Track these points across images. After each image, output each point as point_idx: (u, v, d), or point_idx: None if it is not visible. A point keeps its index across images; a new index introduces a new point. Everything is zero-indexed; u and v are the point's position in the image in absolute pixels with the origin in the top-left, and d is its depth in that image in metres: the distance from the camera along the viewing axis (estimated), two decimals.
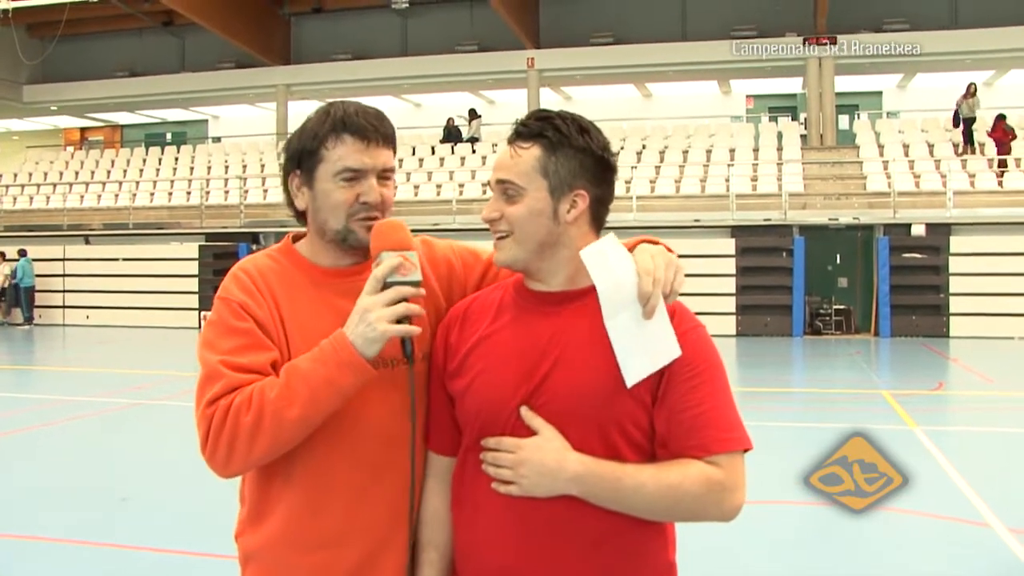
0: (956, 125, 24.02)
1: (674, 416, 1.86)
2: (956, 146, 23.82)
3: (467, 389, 1.97)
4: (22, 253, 24.33)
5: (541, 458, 1.84)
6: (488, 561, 1.93)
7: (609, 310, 1.90)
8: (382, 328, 1.88)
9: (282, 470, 2.00)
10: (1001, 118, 23.13)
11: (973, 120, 23.61)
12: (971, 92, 23.55)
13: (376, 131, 2.05)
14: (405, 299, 1.91)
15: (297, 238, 2.20)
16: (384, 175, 2.08)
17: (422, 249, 2.25)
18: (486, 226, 1.98)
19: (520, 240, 1.92)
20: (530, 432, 1.88)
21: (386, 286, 1.92)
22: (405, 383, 1.98)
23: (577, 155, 1.92)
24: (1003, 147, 22.84)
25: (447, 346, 2.04)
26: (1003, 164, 22.54)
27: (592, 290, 1.93)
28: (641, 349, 1.86)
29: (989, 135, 23.30)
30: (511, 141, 1.95)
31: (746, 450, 1.88)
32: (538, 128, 1.92)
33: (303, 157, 2.08)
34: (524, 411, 1.88)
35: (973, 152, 23.40)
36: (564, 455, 1.83)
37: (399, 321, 1.90)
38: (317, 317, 2.04)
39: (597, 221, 1.98)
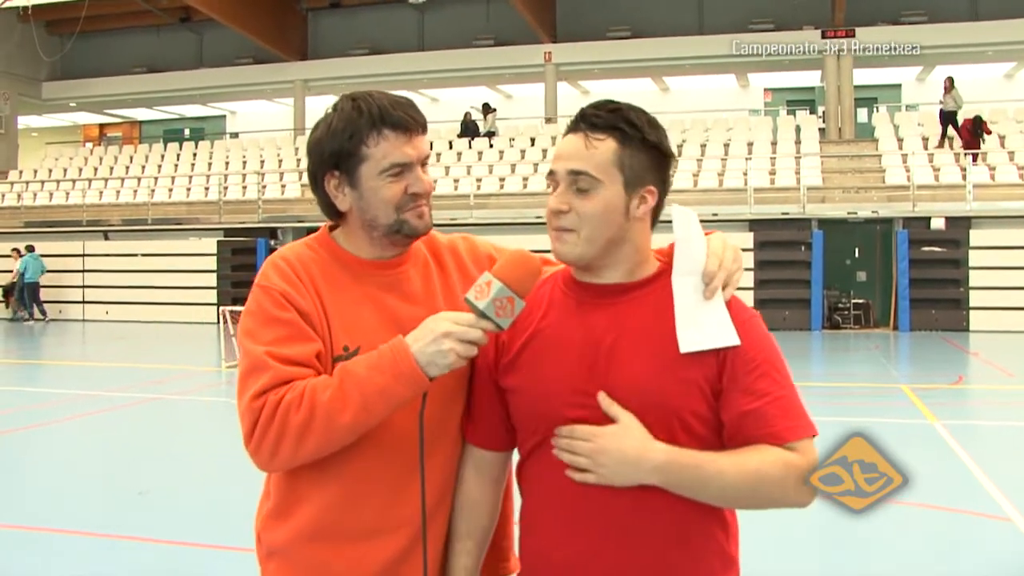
0: (943, 122, 23.80)
1: (745, 407, 1.84)
2: (951, 140, 23.55)
3: (524, 384, 1.94)
4: (29, 249, 24.48)
5: (621, 446, 1.81)
6: (553, 555, 1.92)
7: (680, 268, 1.91)
8: (452, 360, 1.85)
9: (315, 462, 1.96)
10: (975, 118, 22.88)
11: (955, 114, 23.41)
12: (948, 87, 23.38)
13: (415, 121, 2.02)
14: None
15: (332, 227, 2.16)
16: (424, 162, 2.06)
17: (464, 247, 2.24)
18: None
19: (589, 237, 1.87)
20: (597, 421, 1.85)
21: (475, 311, 1.86)
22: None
23: (648, 150, 1.89)
24: (972, 144, 22.59)
25: (498, 342, 1.99)
26: (975, 159, 22.27)
27: (649, 281, 1.94)
28: (699, 322, 1.86)
29: (959, 131, 23.01)
30: (579, 130, 1.89)
31: (813, 435, 1.88)
32: (612, 119, 1.87)
33: (341, 158, 2.01)
34: (602, 397, 1.85)
35: (964, 147, 23.16)
36: (646, 444, 1.81)
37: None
38: (360, 310, 2.03)
39: (656, 216, 1.96)
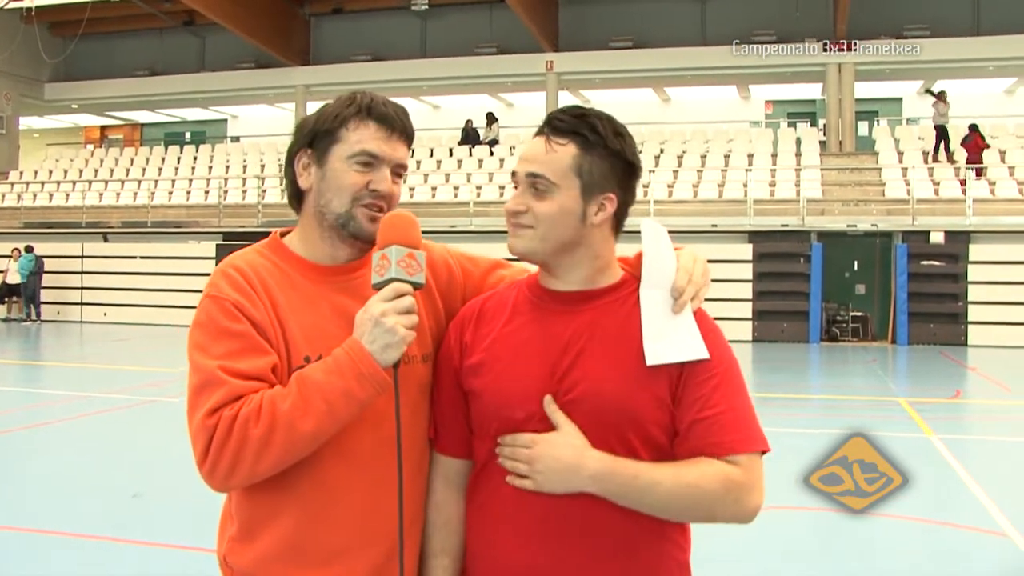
0: (940, 137, 23.74)
1: (693, 416, 1.84)
2: (925, 155, 23.66)
3: (486, 387, 1.93)
4: (28, 249, 24.52)
5: (558, 454, 1.82)
6: (502, 561, 1.90)
7: (648, 281, 1.91)
8: (402, 333, 1.82)
9: (280, 479, 1.88)
10: (974, 128, 22.87)
11: (945, 128, 23.46)
12: (945, 101, 23.39)
13: (400, 123, 2.01)
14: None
15: (284, 234, 2.11)
16: (397, 170, 2.03)
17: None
18: (504, 229, 1.95)
19: (543, 236, 1.88)
20: (549, 429, 1.85)
21: (388, 283, 1.85)
22: (403, 384, 1.89)
23: (610, 158, 1.89)
24: (975, 157, 22.57)
25: (463, 345, 1.99)
26: (979, 173, 22.28)
27: (612, 290, 1.94)
28: (667, 335, 1.86)
29: (963, 145, 22.99)
30: (544, 134, 1.91)
31: (764, 452, 1.87)
32: (575, 125, 1.88)
33: (318, 136, 2.01)
34: (547, 402, 1.85)
35: (953, 161, 23.15)
36: (582, 452, 1.81)
37: None
38: (317, 316, 1.97)
39: (619, 224, 1.96)
